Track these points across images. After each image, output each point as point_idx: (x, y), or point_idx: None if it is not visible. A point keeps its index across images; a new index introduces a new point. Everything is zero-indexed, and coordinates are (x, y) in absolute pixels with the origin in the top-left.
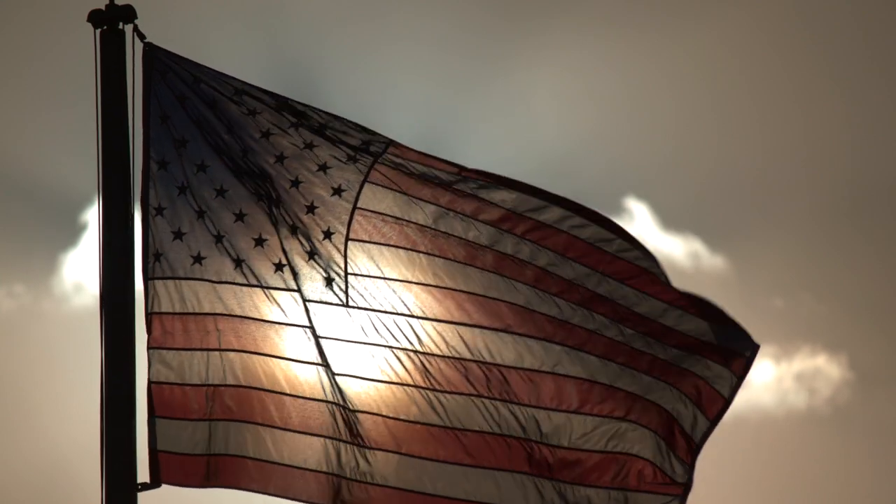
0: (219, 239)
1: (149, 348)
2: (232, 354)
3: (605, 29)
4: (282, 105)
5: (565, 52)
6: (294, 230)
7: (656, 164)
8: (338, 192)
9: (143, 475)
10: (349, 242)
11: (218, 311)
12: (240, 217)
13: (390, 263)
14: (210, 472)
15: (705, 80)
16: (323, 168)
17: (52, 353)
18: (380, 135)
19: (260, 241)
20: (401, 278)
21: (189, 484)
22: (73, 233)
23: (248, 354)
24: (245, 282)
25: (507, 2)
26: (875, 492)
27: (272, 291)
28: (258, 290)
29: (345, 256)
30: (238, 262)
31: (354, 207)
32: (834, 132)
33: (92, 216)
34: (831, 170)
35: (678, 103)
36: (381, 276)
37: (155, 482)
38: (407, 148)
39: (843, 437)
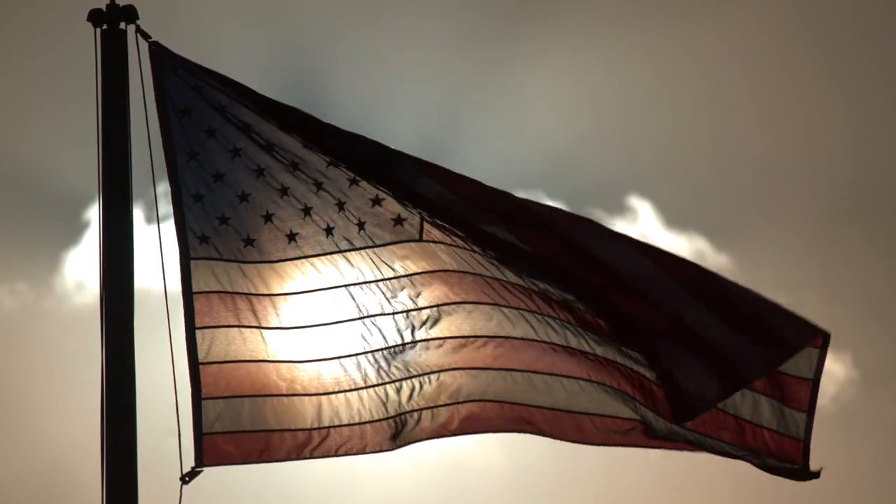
0: (268, 218)
1: (196, 328)
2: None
3: (605, 29)
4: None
5: (566, 52)
6: (340, 206)
7: (658, 162)
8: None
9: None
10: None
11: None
12: (283, 192)
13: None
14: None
15: (705, 80)
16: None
17: (53, 352)
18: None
19: (307, 211)
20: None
21: (246, 461)
22: (75, 231)
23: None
24: (302, 254)
25: (507, 3)
26: (878, 490)
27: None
28: (339, 254)
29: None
30: (292, 237)
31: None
32: (834, 132)
33: (94, 214)
34: (831, 170)
35: (679, 103)
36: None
37: (207, 464)
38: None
39: (847, 436)
